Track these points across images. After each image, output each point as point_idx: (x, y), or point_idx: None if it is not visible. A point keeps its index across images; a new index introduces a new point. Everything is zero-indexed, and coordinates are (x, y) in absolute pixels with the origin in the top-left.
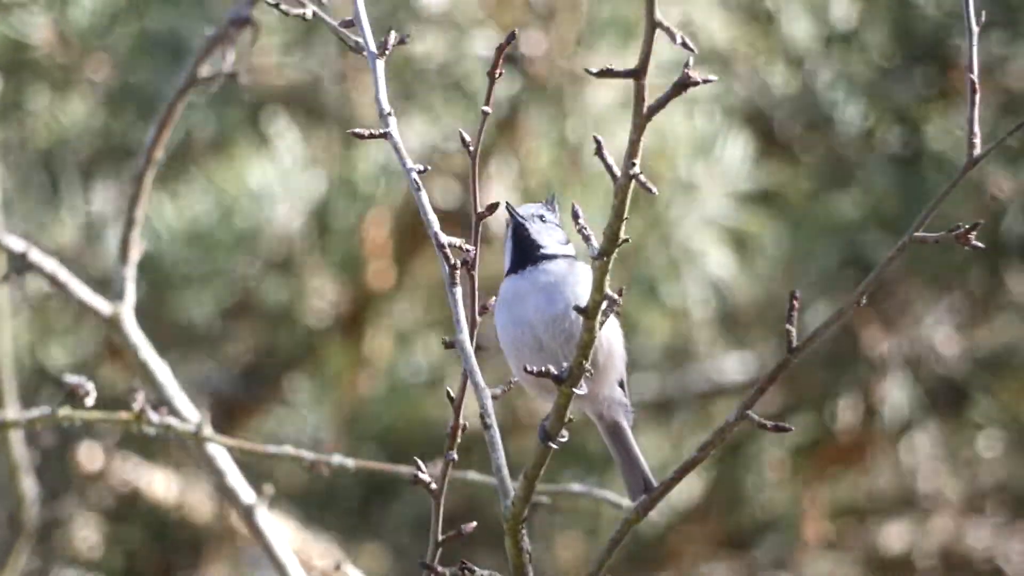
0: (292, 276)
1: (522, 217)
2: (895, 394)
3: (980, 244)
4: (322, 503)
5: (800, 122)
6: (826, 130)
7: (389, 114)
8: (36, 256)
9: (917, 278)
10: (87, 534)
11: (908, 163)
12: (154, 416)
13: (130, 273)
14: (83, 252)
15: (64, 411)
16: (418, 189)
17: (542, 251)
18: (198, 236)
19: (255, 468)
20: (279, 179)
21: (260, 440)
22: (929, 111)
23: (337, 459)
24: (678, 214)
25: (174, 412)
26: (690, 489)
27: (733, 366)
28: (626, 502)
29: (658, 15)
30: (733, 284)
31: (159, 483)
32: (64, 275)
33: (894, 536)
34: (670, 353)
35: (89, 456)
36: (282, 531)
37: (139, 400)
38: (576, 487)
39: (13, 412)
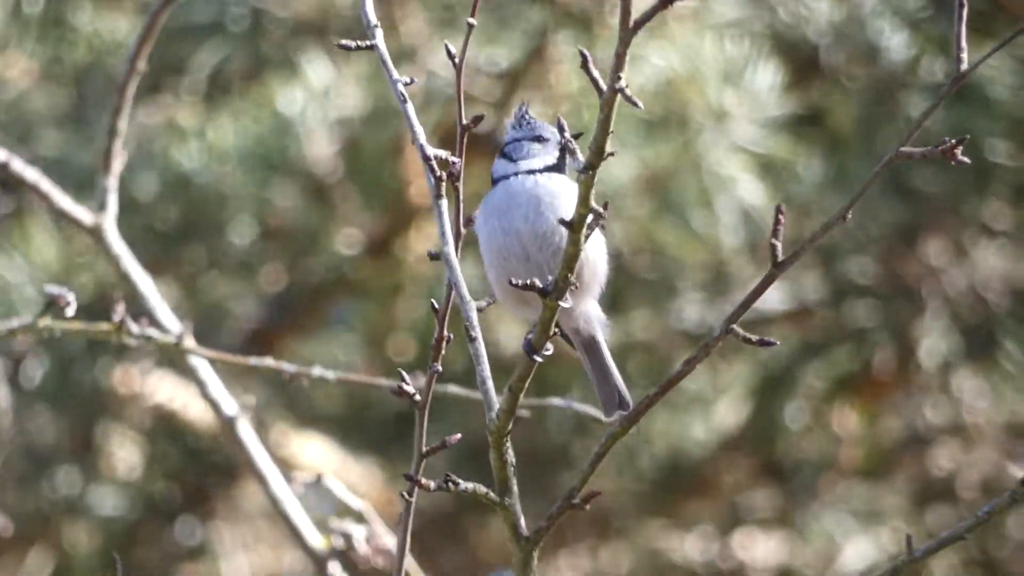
0: (324, 203)
1: (519, 130)
2: (932, 334)
3: (966, 159)
4: (362, 425)
5: (845, 50)
6: (870, 59)
7: (376, 27)
8: (17, 165)
9: (959, 217)
10: (125, 455)
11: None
12: (134, 327)
13: (112, 183)
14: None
15: (45, 321)
16: (404, 101)
17: (531, 165)
18: (234, 159)
19: (292, 392)
20: (313, 105)
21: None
22: (973, 40)
23: (317, 371)
24: (709, 140)
25: (156, 323)
26: (728, 420)
27: (773, 295)
28: (607, 417)
29: None
30: (764, 211)
31: (195, 405)
32: (46, 185)
33: (934, 466)
34: (708, 283)
35: (125, 378)
36: (322, 452)
37: (119, 311)
38: (557, 401)
39: None
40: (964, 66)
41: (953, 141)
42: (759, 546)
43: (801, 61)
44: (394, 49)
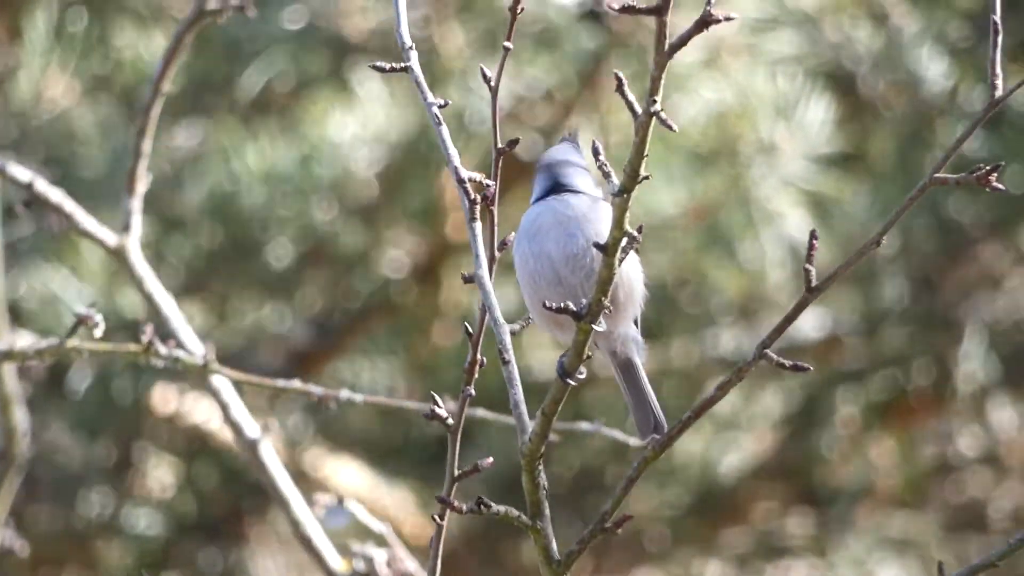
0: (370, 224)
1: (556, 156)
2: (971, 360)
3: (1001, 186)
4: (398, 450)
5: (884, 79)
6: (910, 87)
7: (411, 48)
8: (42, 186)
9: (999, 241)
10: (160, 475)
11: (990, 122)
12: (162, 348)
13: (136, 205)
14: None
15: (72, 342)
16: (439, 123)
17: (568, 187)
18: (277, 180)
19: (328, 416)
20: (360, 126)
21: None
22: (1015, 66)
23: (345, 394)
24: (758, 175)
25: (179, 345)
26: (762, 447)
27: (810, 323)
28: (634, 440)
29: None
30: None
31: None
32: (70, 205)
33: (969, 495)
34: (745, 311)
35: (162, 399)
36: (356, 475)
37: (148, 332)
38: (585, 425)
39: (22, 342)
40: (999, 92)
41: (988, 168)
42: (792, 574)
43: (848, 93)
44: (439, 73)
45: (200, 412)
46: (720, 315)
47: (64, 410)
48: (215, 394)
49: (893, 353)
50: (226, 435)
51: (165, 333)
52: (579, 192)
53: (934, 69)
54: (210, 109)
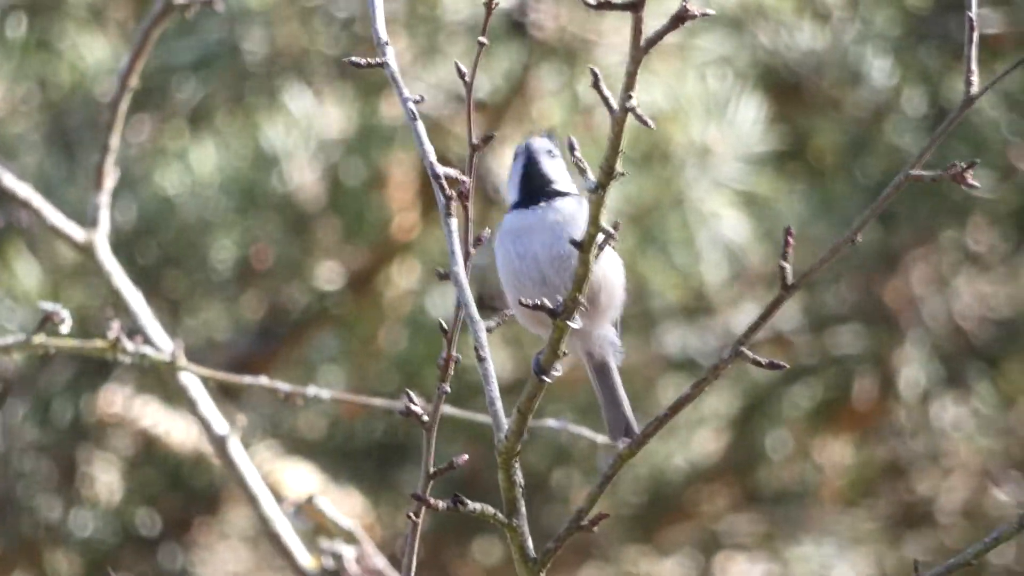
0: (306, 234)
1: (536, 150)
2: (913, 363)
3: (976, 184)
4: (346, 454)
5: (826, 79)
6: (852, 87)
7: (386, 44)
8: (9, 180)
9: (942, 242)
10: (108, 479)
11: (934, 122)
12: (129, 344)
13: (104, 200)
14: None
15: (39, 338)
16: (414, 119)
17: (552, 187)
18: (219, 186)
19: (277, 418)
20: (295, 137)
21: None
22: (958, 68)
23: (312, 390)
24: (691, 176)
25: (148, 341)
26: (709, 447)
27: (750, 320)
28: (602, 438)
29: None
30: (747, 247)
31: (178, 430)
32: (38, 201)
33: (914, 493)
34: (687, 310)
35: (108, 401)
36: (304, 477)
37: (114, 328)
38: (552, 422)
39: None
40: (974, 89)
41: (964, 165)
42: (741, 572)
43: (784, 91)
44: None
45: (148, 416)
46: (662, 317)
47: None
48: (183, 391)
49: (837, 353)
50: (173, 439)
51: (132, 329)
52: (565, 194)
53: (877, 67)
54: (151, 115)
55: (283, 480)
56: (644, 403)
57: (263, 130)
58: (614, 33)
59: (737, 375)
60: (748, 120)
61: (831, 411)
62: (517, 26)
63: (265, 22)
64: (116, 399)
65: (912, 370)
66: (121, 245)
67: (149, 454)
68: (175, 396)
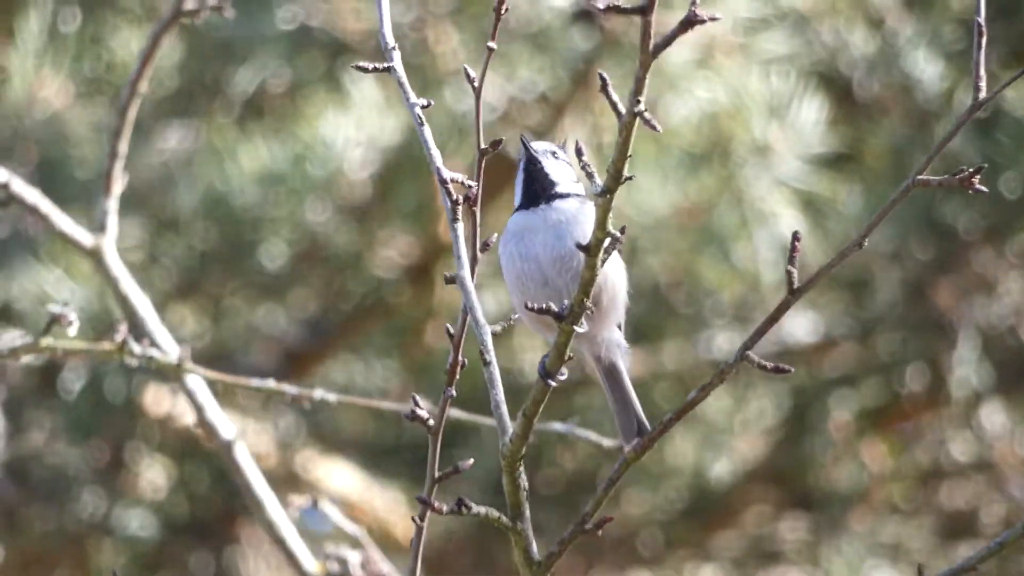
0: (363, 225)
1: (536, 151)
2: (963, 366)
3: (984, 188)
4: (390, 453)
5: (879, 81)
6: (905, 90)
7: (393, 48)
8: (18, 186)
9: (993, 246)
10: (152, 476)
11: (985, 126)
12: (136, 347)
13: (112, 205)
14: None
15: (46, 341)
16: (421, 124)
17: (555, 188)
18: (270, 181)
19: (318, 419)
20: (354, 127)
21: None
22: (1007, 72)
23: (319, 393)
24: (751, 175)
25: (155, 345)
26: (755, 450)
27: (803, 326)
28: (607, 442)
29: None
30: (804, 247)
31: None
32: (46, 206)
33: (961, 501)
34: (740, 312)
35: (155, 399)
36: (348, 478)
37: (121, 331)
38: (558, 426)
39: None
40: (983, 94)
41: (971, 170)
42: None
43: (842, 95)
44: (432, 74)
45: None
46: (714, 317)
47: (56, 411)
48: (190, 395)
49: (886, 358)
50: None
51: (141, 333)
52: (567, 195)
53: (929, 72)
54: (203, 110)
55: (326, 481)
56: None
57: (322, 121)
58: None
59: (783, 378)
60: (810, 120)
61: (879, 415)
62: (583, 15)
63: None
64: (163, 396)
65: (963, 373)
66: (170, 240)
67: (194, 451)
68: (220, 396)
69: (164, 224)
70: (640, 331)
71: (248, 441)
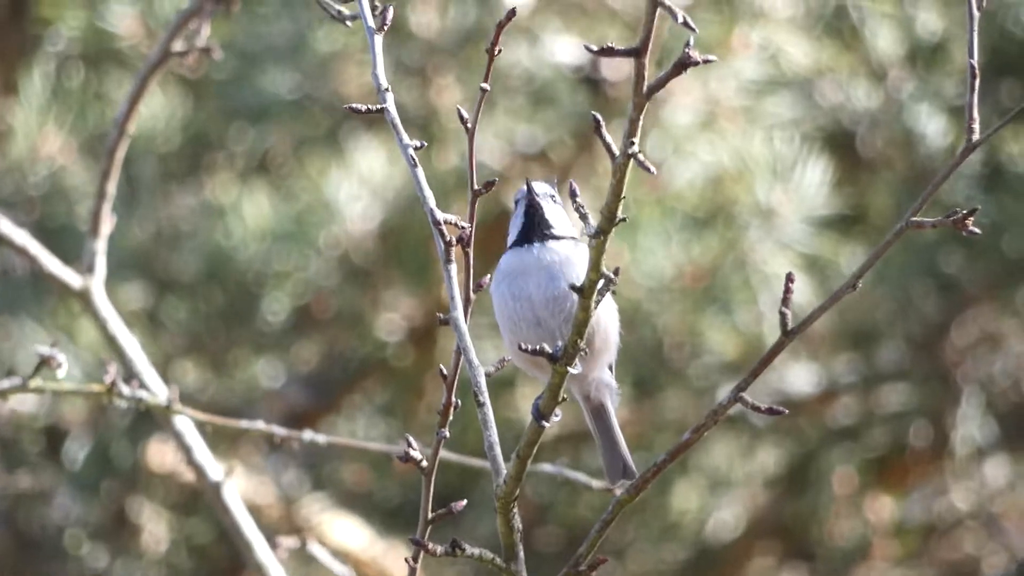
0: (367, 285)
1: (538, 195)
2: (968, 420)
3: (977, 230)
4: (396, 508)
5: (882, 137)
6: (909, 145)
7: (386, 90)
8: (6, 227)
9: (997, 302)
10: (154, 529)
11: (989, 181)
12: (125, 389)
13: (100, 247)
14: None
15: (35, 382)
16: (415, 166)
17: (551, 231)
18: (273, 238)
19: (320, 469)
20: (356, 185)
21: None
22: (1010, 128)
23: (308, 434)
24: (755, 237)
25: (143, 387)
26: (758, 502)
27: (803, 378)
28: (596, 483)
29: None
30: (808, 308)
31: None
32: (35, 248)
33: (963, 552)
34: (739, 364)
35: (159, 454)
36: (352, 532)
37: (111, 373)
38: (548, 467)
39: None
40: (976, 137)
41: (964, 212)
42: None
43: (845, 154)
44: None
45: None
46: (717, 376)
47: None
48: (178, 437)
49: (890, 411)
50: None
51: (130, 375)
52: (560, 237)
53: (932, 127)
54: (207, 168)
55: (330, 533)
56: (691, 456)
57: (324, 179)
58: (684, 93)
59: (787, 430)
60: (814, 183)
61: (882, 468)
62: (589, 82)
63: (329, 71)
64: (166, 450)
65: (967, 428)
66: (184, 294)
67: (196, 505)
68: (223, 449)
69: (167, 284)
70: (642, 388)
71: (250, 492)
